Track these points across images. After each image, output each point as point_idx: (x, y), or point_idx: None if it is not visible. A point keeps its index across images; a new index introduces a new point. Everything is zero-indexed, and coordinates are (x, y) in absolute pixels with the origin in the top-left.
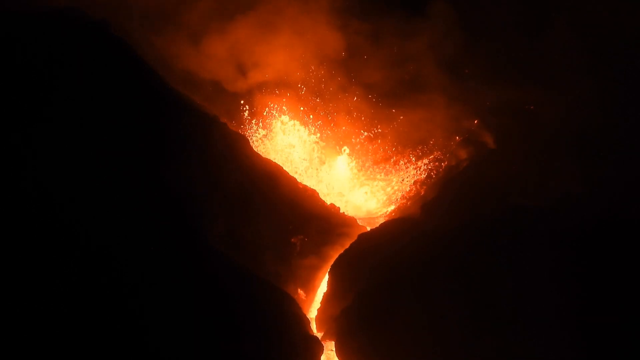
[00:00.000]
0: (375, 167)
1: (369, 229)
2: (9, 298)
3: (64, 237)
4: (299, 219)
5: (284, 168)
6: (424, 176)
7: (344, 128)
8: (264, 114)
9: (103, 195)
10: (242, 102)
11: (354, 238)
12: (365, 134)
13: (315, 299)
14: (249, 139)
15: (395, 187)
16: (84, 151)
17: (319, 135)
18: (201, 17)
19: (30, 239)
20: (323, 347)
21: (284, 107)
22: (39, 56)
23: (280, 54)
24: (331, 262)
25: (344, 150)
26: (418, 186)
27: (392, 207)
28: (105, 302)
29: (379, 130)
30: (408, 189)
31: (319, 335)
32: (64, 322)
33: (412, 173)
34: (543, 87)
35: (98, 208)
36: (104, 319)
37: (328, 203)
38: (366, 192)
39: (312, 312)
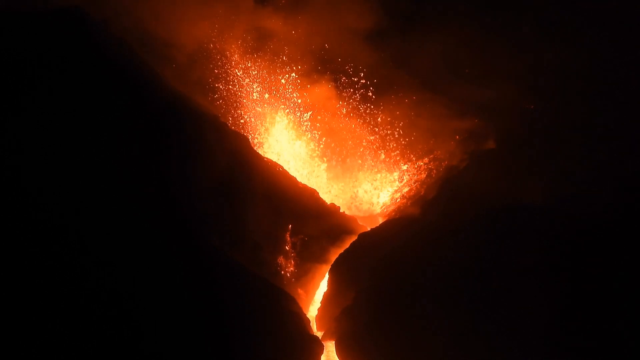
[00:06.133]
0: (375, 166)
1: (369, 228)
2: (3, 300)
3: (62, 235)
4: (299, 219)
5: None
6: (424, 176)
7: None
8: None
9: (101, 194)
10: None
11: (354, 237)
12: (366, 134)
13: (315, 299)
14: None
15: (396, 187)
16: (83, 150)
17: (319, 135)
18: None
19: (27, 238)
20: (323, 346)
21: (282, 106)
22: (39, 56)
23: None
24: (331, 261)
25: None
26: (418, 186)
27: (392, 207)
28: (103, 302)
29: (380, 129)
30: (408, 188)
31: (319, 334)
32: (59, 320)
33: (412, 172)
34: (543, 86)
35: (96, 207)
36: (101, 318)
37: (328, 203)
38: (366, 192)
39: (312, 311)
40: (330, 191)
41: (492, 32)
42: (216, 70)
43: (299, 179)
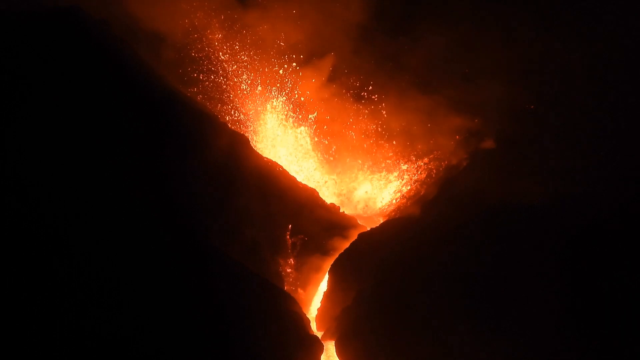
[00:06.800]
0: (375, 166)
1: (369, 228)
2: (5, 300)
3: (61, 235)
4: (299, 219)
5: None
6: (424, 175)
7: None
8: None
9: (102, 194)
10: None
11: (354, 237)
12: (366, 133)
13: (315, 299)
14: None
15: (395, 187)
16: (83, 148)
17: (319, 135)
18: None
19: (27, 238)
20: (323, 346)
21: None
22: (39, 55)
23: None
24: (331, 261)
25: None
26: (418, 185)
27: (392, 207)
28: (101, 302)
29: (380, 129)
30: (408, 188)
31: (319, 334)
32: (57, 319)
33: (412, 172)
34: (543, 86)
35: (97, 207)
36: (100, 318)
37: (328, 202)
38: (366, 192)
39: (312, 311)
40: (329, 189)
41: (492, 30)
42: (205, 64)
43: (299, 179)
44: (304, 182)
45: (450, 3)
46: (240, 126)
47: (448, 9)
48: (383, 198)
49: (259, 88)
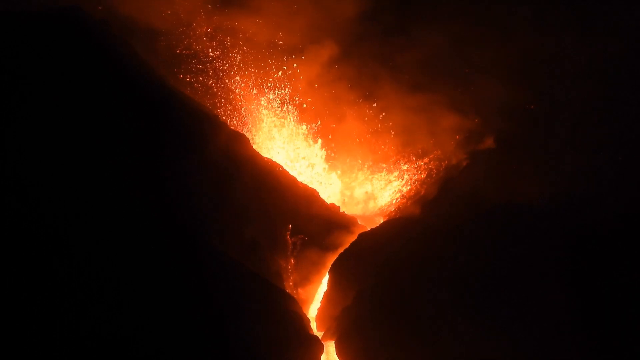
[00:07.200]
0: (375, 166)
1: (369, 228)
2: (6, 300)
3: (61, 235)
4: (299, 218)
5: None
6: (424, 175)
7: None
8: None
9: (101, 194)
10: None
11: (354, 237)
12: (366, 133)
13: (315, 299)
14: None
15: (395, 187)
16: (83, 150)
17: (319, 135)
18: None
19: (27, 238)
20: (323, 346)
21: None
22: (39, 55)
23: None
24: (331, 261)
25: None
26: (418, 185)
27: (392, 207)
28: (103, 302)
29: (379, 129)
30: (408, 188)
31: (319, 334)
32: (57, 319)
33: (412, 172)
34: (543, 86)
35: (96, 207)
36: (100, 318)
37: (328, 202)
38: (366, 192)
39: (312, 311)
40: (329, 189)
41: (492, 29)
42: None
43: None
44: (303, 182)
45: (451, 1)
46: (239, 127)
47: (448, 7)
48: (383, 198)
49: (254, 91)
